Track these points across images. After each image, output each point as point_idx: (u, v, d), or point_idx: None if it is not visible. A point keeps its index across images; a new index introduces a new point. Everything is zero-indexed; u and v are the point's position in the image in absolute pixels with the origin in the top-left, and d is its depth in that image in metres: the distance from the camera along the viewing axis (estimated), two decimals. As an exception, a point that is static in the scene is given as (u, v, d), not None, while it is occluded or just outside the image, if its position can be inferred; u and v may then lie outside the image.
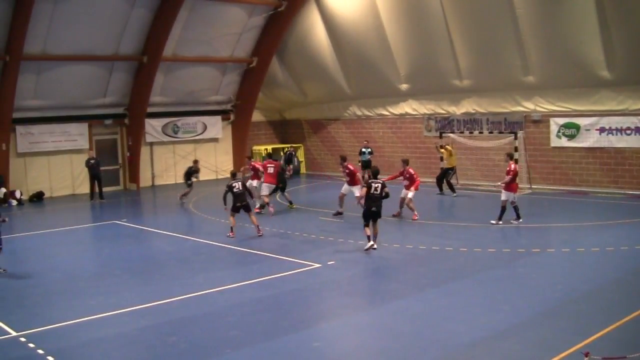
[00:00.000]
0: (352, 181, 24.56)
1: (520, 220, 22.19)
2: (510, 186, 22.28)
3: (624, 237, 19.43)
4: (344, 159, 25.32)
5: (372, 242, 18.64)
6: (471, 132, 32.08)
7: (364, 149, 34.85)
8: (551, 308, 13.24)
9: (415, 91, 34.64)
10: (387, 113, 36.72)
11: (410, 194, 23.87)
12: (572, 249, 18.17)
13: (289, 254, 18.72)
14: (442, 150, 30.37)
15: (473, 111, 32.51)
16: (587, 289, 14.56)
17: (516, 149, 29.08)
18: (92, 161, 32.11)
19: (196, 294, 15.10)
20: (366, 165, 32.93)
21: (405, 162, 24.87)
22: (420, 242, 19.63)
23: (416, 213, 23.68)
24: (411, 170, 24.29)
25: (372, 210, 18.69)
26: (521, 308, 13.25)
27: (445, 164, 30.43)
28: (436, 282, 15.47)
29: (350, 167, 24.69)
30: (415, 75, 33.79)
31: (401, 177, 24.53)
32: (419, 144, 35.26)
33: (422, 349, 11.38)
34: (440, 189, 30.22)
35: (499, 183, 22.99)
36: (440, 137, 32.15)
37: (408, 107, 35.54)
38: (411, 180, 23.96)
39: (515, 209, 22.27)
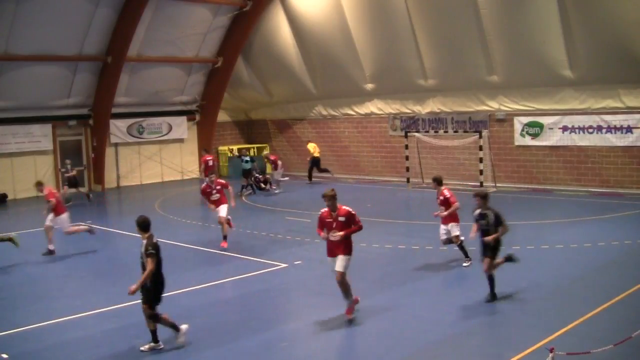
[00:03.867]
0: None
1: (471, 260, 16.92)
2: (453, 216, 17.18)
3: (587, 234, 19.67)
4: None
5: None
6: (436, 131, 32.28)
7: (243, 157, 32.76)
8: (516, 305, 13.38)
9: (381, 91, 34.79)
10: (352, 113, 36.82)
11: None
12: (537, 246, 18.37)
13: (255, 255, 18.72)
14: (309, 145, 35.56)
15: (438, 110, 32.73)
16: (551, 285, 14.74)
17: (481, 148, 29.34)
18: None
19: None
20: (246, 174, 31.76)
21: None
22: (387, 241, 19.73)
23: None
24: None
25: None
26: (486, 305, 13.38)
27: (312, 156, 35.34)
28: (403, 281, 15.57)
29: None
30: (381, 75, 33.95)
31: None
32: (385, 143, 35.41)
33: (389, 347, 11.44)
34: (310, 178, 35.04)
35: (442, 214, 17.14)
36: (406, 136, 32.25)
37: (373, 107, 35.68)
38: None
39: (461, 247, 17.16)
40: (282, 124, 41.09)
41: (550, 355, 9.12)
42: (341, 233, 12.85)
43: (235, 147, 40.57)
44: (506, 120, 30.41)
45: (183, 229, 23.79)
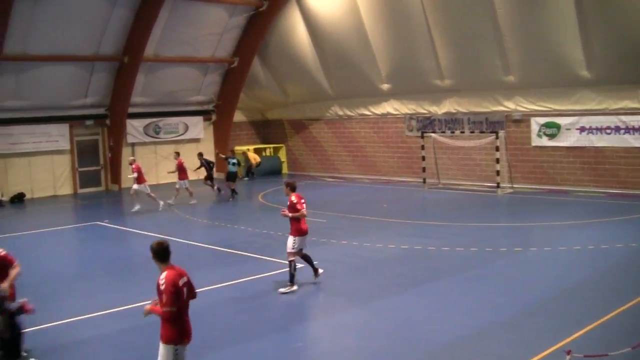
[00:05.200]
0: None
1: (321, 272, 15.89)
2: (299, 227, 15.41)
3: (604, 236, 19.51)
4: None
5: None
6: (452, 132, 32.15)
7: (230, 159, 31.92)
8: (533, 306, 13.28)
9: (397, 91, 34.70)
10: (368, 113, 36.76)
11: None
12: (554, 248, 18.24)
13: (271, 255, 18.66)
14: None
15: (454, 111, 32.61)
16: (569, 287, 14.62)
17: (497, 149, 29.21)
18: None
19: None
20: (232, 177, 31.35)
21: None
22: (402, 242, 19.64)
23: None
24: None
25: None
26: (503, 307, 13.29)
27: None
28: (417, 282, 15.49)
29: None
30: (397, 75, 33.86)
31: None
32: (401, 143, 35.32)
33: (403, 349, 11.39)
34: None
35: (287, 213, 15.40)
36: (422, 136, 32.16)
37: (389, 107, 35.60)
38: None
39: (306, 259, 15.82)
40: (298, 124, 41.08)
41: (568, 357, 9.07)
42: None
43: (251, 147, 40.58)
44: (523, 120, 30.25)
45: (198, 228, 23.83)
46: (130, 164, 28.60)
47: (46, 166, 34.11)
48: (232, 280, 16.14)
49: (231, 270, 17.34)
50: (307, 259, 15.60)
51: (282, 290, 14.98)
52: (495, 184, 29.10)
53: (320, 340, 12.33)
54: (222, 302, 14.48)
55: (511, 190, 29.28)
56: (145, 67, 34.75)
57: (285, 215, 15.26)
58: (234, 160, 31.74)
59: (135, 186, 27.99)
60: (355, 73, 35.14)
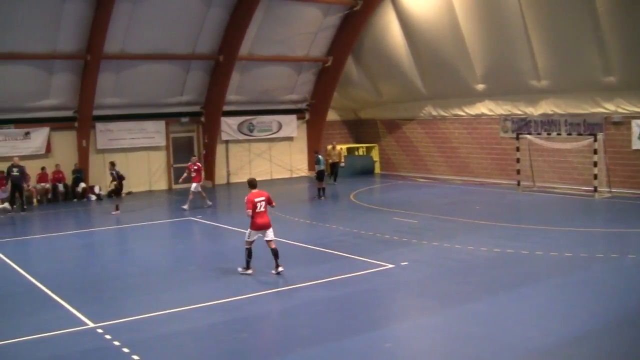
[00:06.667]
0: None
1: (280, 269, 16.60)
2: (252, 222, 16.66)
3: None
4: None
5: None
6: (549, 134, 31.40)
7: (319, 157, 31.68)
8: (629, 315, 12.85)
9: (492, 91, 34.12)
10: (462, 113, 36.29)
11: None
12: (654, 255, 17.64)
13: (361, 254, 18.62)
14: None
15: (551, 112, 31.82)
16: (668, 296, 14.11)
17: (595, 152, 28.43)
18: (16, 170, 28.75)
19: (267, 291, 15.18)
20: (320, 176, 30.79)
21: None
22: (495, 244, 19.30)
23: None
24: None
25: None
26: (598, 315, 12.90)
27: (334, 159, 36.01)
28: (510, 286, 15.18)
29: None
30: (492, 75, 33.28)
31: None
32: (495, 145, 34.72)
33: (493, 354, 11.16)
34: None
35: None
36: (517, 138, 31.54)
37: (484, 108, 35.04)
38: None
39: (272, 252, 16.68)
40: (391, 124, 40.91)
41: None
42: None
43: (344, 147, 40.62)
44: (623, 123, 29.30)
45: (291, 226, 23.97)
46: (194, 163, 28.84)
47: (142, 162, 34.98)
48: (323, 279, 16.15)
49: (323, 268, 17.36)
50: (273, 253, 16.58)
51: (239, 269, 16.74)
52: (593, 188, 28.31)
53: (410, 341, 12.21)
54: (313, 300, 14.50)
55: (609, 195, 28.43)
56: (240, 65, 35.23)
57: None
58: (321, 159, 31.53)
59: (195, 185, 28.32)
60: (450, 73, 34.74)
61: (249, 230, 16.62)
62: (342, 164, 36.98)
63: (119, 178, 29.08)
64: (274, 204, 16.95)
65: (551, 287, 15.11)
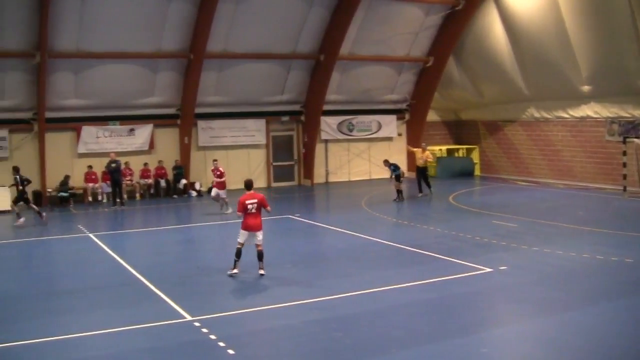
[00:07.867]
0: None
1: (262, 272, 16.71)
2: (243, 222, 16.92)
3: None
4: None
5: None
6: (659, 138, 30.29)
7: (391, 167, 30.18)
8: None
9: (598, 93, 33.06)
10: (566, 115, 35.32)
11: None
12: None
13: (459, 257, 18.35)
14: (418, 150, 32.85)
15: (661, 115, 30.71)
16: None
17: None
18: (113, 165, 29.55)
19: (363, 291, 15.11)
20: (398, 178, 29.89)
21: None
22: (597, 252, 18.68)
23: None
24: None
25: None
26: None
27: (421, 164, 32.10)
28: (612, 296, 14.63)
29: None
30: (598, 77, 32.24)
31: None
32: (600, 148, 33.65)
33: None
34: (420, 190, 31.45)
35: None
36: (624, 142, 30.51)
37: (589, 110, 33.99)
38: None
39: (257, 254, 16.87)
40: (492, 125, 40.25)
41: None
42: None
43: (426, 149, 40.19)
44: None
45: (386, 226, 23.86)
46: (216, 168, 27.46)
47: (243, 159, 35.46)
48: (419, 281, 16.01)
49: (419, 270, 17.22)
50: (257, 255, 16.70)
51: (228, 272, 16.75)
52: None
53: (507, 348, 11.93)
54: (408, 302, 14.38)
55: None
56: (340, 65, 35.31)
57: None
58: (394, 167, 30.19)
59: (218, 191, 27.17)
60: (554, 74, 33.87)
61: (240, 231, 16.78)
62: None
63: (22, 183, 25.28)
64: (269, 208, 16.90)
65: (658, 297, 14.53)
